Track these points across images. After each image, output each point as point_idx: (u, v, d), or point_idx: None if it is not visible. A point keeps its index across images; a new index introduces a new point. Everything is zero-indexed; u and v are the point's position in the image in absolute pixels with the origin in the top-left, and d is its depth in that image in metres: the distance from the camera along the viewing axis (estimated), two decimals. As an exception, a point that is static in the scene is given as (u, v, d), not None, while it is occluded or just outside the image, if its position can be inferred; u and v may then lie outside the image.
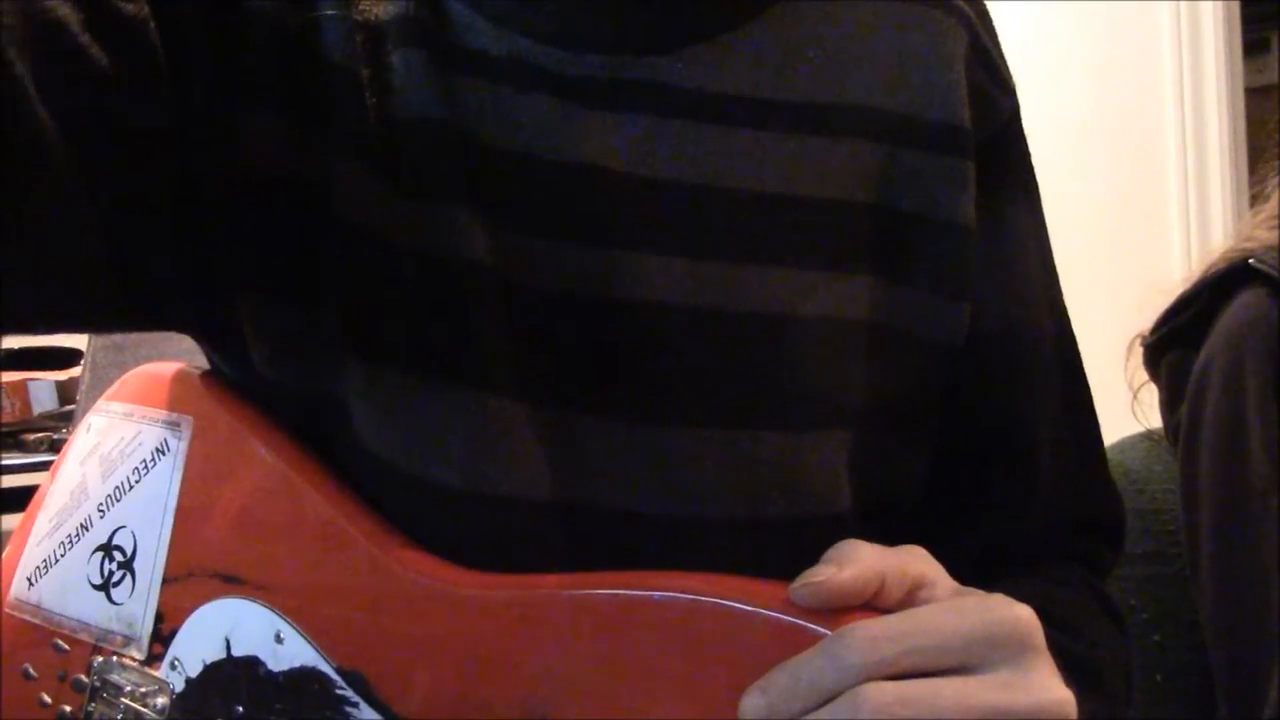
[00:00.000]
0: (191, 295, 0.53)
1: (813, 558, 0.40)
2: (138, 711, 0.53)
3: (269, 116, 0.50)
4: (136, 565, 0.55)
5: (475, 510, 0.49)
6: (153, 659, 0.54)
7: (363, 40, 0.51)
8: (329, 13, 0.51)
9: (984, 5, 0.62)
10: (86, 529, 0.57)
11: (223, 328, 0.54)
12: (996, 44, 0.61)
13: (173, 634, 0.53)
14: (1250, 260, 0.93)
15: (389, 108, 0.51)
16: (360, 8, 0.52)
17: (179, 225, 0.50)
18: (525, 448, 0.50)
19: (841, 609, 0.39)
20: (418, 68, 0.51)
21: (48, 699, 0.57)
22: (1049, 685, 0.39)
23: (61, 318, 0.51)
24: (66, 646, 0.57)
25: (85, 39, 0.45)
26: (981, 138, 0.58)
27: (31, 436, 2.32)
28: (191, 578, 0.53)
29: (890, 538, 0.42)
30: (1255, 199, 1.06)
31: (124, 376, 0.60)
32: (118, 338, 1.84)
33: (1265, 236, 0.97)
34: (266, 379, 0.53)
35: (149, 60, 0.47)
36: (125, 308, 0.52)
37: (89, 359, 1.89)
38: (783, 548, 0.40)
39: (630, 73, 0.52)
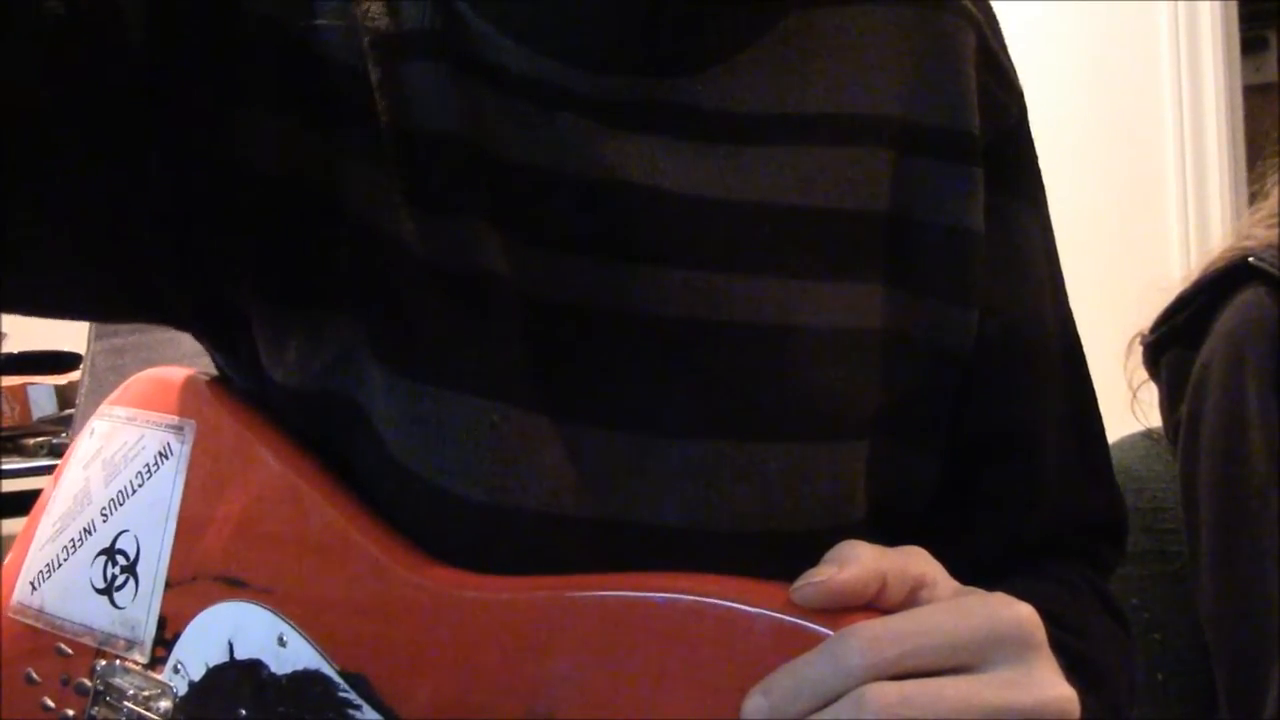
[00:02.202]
0: (188, 289, 0.53)
1: None
2: (141, 715, 0.53)
3: (263, 114, 0.50)
4: (139, 569, 0.55)
5: (495, 522, 0.49)
6: (155, 662, 0.54)
7: (370, 44, 0.51)
8: (327, 22, 0.51)
9: (990, 6, 0.62)
10: (89, 533, 0.57)
11: (228, 327, 0.54)
12: (1003, 45, 0.61)
13: (176, 638, 0.53)
14: (1250, 258, 0.93)
15: (407, 118, 0.51)
16: (368, 13, 0.52)
17: (171, 214, 0.50)
18: (545, 460, 0.50)
19: (843, 609, 0.39)
20: (438, 80, 0.51)
21: (50, 703, 0.57)
22: (1051, 683, 0.39)
23: (45, 290, 0.51)
24: (69, 650, 0.57)
25: None
26: (989, 140, 0.58)
27: (31, 441, 2.32)
28: (194, 582, 0.53)
29: (897, 540, 0.42)
30: (1254, 197, 1.06)
31: (127, 381, 0.60)
32: (117, 341, 1.84)
33: (1265, 234, 0.97)
34: (277, 383, 0.53)
35: (118, 22, 0.47)
36: (115, 292, 0.52)
37: (88, 363, 1.89)
38: (800, 559, 0.40)
39: (651, 94, 0.52)
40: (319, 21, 0.51)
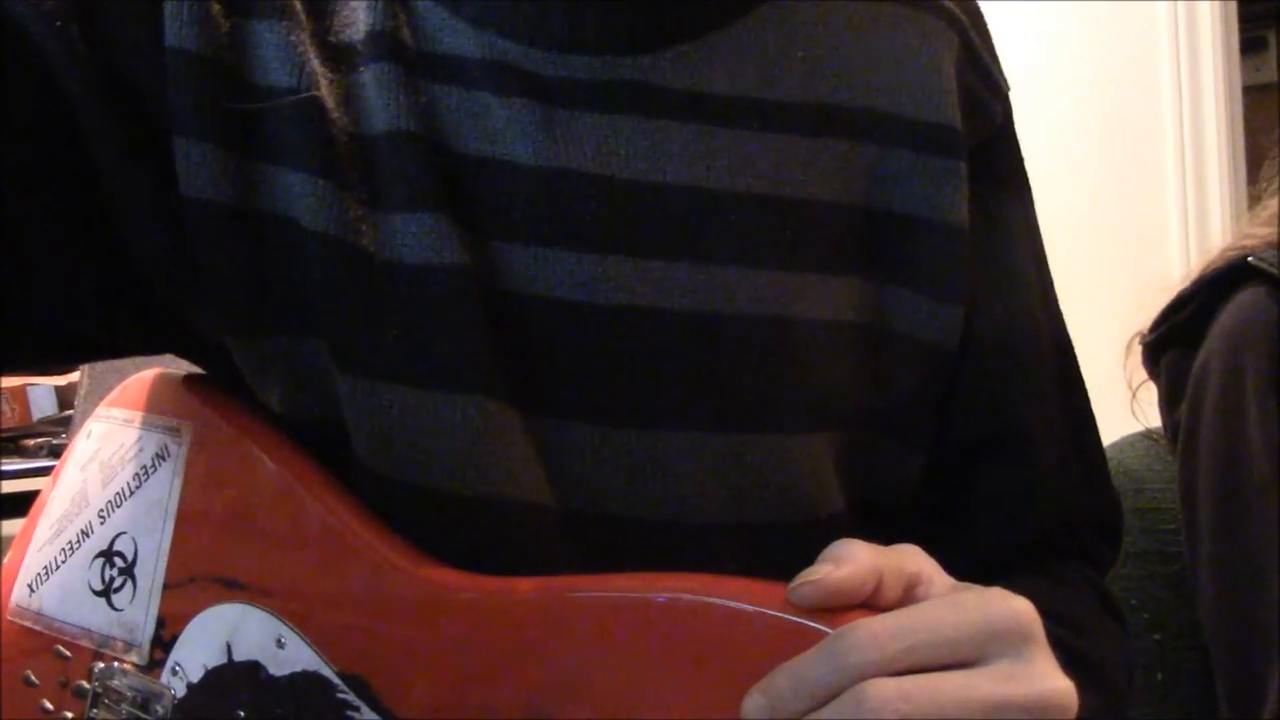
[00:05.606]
0: (135, 334, 0.54)
1: (807, 560, 0.40)
2: (139, 717, 0.53)
3: (192, 145, 0.49)
4: (137, 571, 0.55)
5: (476, 516, 0.49)
6: (154, 665, 0.54)
7: (324, 58, 0.51)
8: (264, 34, 0.50)
9: (976, 7, 0.61)
10: (87, 535, 0.57)
11: (199, 354, 0.54)
12: (989, 47, 0.61)
13: (174, 639, 0.53)
14: (1249, 258, 0.93)
15: (360, 125, 0.50)
16: (330, 29, 0.51)
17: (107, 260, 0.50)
18: (520, 452, 0.50)
19: (841, 608, 0.39)
20: (387, 82, 0.50)
21: (49, 705, 0.57)
22: (1050, 676, 0.39)
23: None
24: (67, 653, 0.57)
25: None
26: (974, 141, 0.58)
27: (31, 441, 2.32)
28: (192, 583, 0.53)
29: (889, 538, 0.42)
30: (1260, 196, 1.06)
31: (124, 382, 0.60)
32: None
33: (1264, 234, 0.97)
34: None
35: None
36: (40, 337, 0.52)
37: (88, 364, 1.89)
38: (777, 551, 0.40)
39: (615, 73, 0.52)
40: (249, 34, 0.50)
